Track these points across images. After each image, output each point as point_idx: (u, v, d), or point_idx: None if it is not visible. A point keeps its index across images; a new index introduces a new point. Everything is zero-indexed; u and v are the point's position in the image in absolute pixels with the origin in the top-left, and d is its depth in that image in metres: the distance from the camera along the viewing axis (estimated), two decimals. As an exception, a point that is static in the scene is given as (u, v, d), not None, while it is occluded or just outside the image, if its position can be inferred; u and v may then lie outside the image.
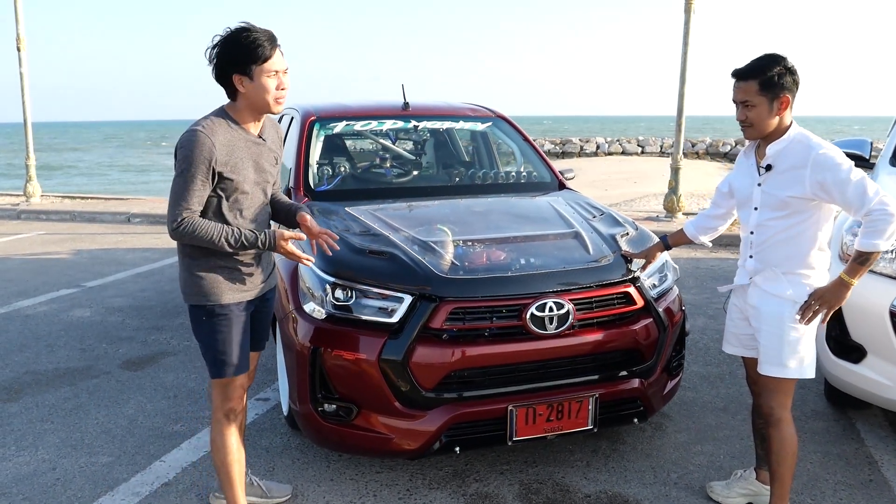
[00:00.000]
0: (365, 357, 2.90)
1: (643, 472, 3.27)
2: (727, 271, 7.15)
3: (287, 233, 2.53)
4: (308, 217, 2.67)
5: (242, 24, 2.42)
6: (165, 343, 5.06)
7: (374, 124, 4.65)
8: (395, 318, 2.92)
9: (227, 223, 2.49)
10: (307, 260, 2.59)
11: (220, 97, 2.58)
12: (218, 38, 2.41)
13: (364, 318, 2.96)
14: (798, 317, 2.58)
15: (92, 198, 13.00)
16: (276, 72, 2.42)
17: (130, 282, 6.89)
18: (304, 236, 2.60)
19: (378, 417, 2.94)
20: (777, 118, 2.56)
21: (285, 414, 3.52)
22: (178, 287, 6.49)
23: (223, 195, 2.47)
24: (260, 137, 2.57)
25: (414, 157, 5.03)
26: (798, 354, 2.62)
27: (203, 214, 2.46)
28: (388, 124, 4.71)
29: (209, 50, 2.41)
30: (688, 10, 9.22)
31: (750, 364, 2.87)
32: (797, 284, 2.61)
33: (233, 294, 2.56)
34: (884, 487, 3.14)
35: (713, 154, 36.31)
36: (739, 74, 2.57)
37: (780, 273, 2.62)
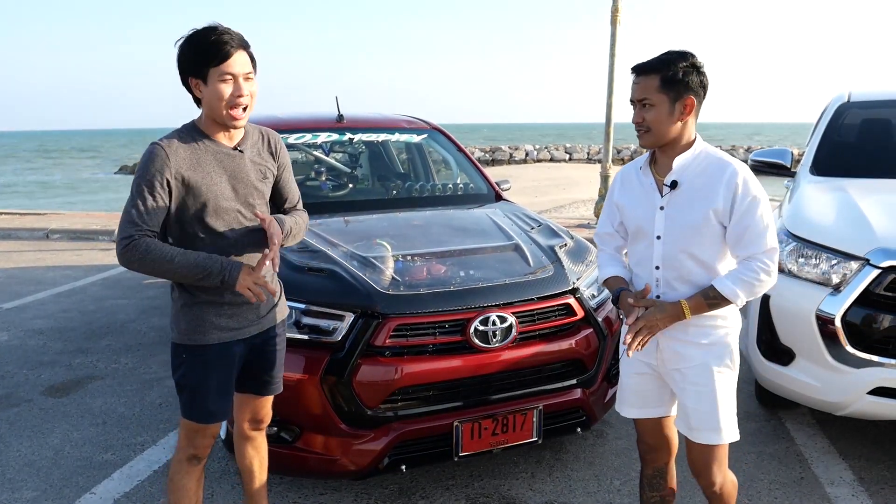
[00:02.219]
0: (307, 377, 2.83)
1: (587, 480, 3.31)
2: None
3: (254, 273, 2.19)
4: (268, 218, 2.28)
5: (210, 24, 2.17)
6: (91, 366, 4.84)
7: (308, 137, 4.57)
8: (337, 337, 2.87)
9: (203, 250, 2.20)
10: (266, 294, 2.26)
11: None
12: (181, 40, 2.17)
13: (305, 337, 2.90)
14: (724, 367, 2.24)
15: (5, 213, 12.37)
16: (233, 75, 2.14)
17: (51, 302, 6.57)
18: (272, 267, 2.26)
19: (322, 438, 2.88)
20: (679, 124, 2.18)
21: (223, 437, 3.41)
22: (103, 306, 6.30)
23: (195, 216, 2.21)
24: (236, 149, 2.29)
25: (350, 171, 4.97)
26: (729, 413, 2.26)
27: (176, 240, 2.22)
28: (323, 137, 4.64)
29: (183, 57, 2.18)
30: (614, 23, 9.48)
31: (647, 427, 2.45)
32: (715, 328, 2.24)
33: (219, 333, 2.29)
34: (814, 484, 3.26)
35: (638, 160, 37.34)
36: (640, 69, 2.20)
37: (697, 317, 2.21)
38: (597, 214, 10.24)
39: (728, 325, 2.26)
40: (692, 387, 2.25)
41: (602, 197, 10.15)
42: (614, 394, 3.51)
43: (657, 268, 2.27)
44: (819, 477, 3.32)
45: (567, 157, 38.93)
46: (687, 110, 2.17)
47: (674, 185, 2.21)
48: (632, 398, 2.43)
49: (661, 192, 2.25)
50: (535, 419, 3.04)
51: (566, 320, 3.18)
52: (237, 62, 2.16)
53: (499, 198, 4.57)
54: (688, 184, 2.20)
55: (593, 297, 3.36)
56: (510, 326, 2.98)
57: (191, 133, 2.24)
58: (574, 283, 3.23)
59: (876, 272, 3.14)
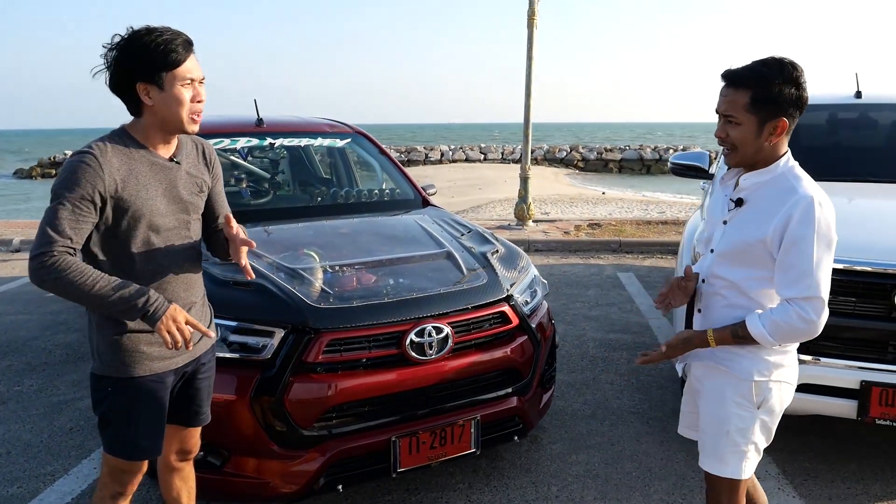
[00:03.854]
0: (236, 398, 2.70)
1: (524, 487, 3.29)
2: (579, 276, 7.44)
3: (183, 316, 2.00)
4: (235, 223, 2.17)
5: (149, 26, 2.03)
6: (-9, 390, 4.49)
7: (226, 142, 4.38)
8: (267, 354, 2.74)
9: (135, 269, 2.06)
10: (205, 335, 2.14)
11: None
12: (118, 39, 2.00)
13: (233, 356, 2.75)
14: (741, 401, 2.05)
15: None
16: (192, 80, 2.03)
17: (-58, 320, 6.07)
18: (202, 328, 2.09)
19: (253, 461, 2.75)
20: (766, 145, 1.98)
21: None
22: (1, 323, 5.85)
23: (127, 233, 2.04)
24: (172, 160, 2.14)
25: (271, 177, 4.80)
26: (739, 448, 2.07)
27: (105, 260, 2.04)
28: (242, 142, 4.45)
29: (106, 53, 2.00)
30: (531, 25, 9.56)
31: None
32: (747, 357, 2.04)
33: (151, 364, 2.11)
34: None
35: (550, 160, 38.15)
36: (730, 79, 1.98)
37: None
38: (517, 216, 10.32)
39: (772, 358, 2.04)
40: (704, 407, 2.16)
41: (522, 198, 10.23)
42: (548, 399, 3.53)
43: (703, 281, 2.17)
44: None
45: (482, 157, 39.31)
46: (777, 132, 1.97)
47: (739, 202, 2.07)
48: (683, 417, 2.36)
49: (728, 206, 2.11)
50: (472, 430, 2.99)
51: (501, 328, 3.15)
52: (194, 66, 2.05)
53: (426, 203, 4.51)
54: (752, 204, 2.04)
55: (526, 303, 3.35)
56: (446, 337, 2.92)
57: (123, 141, 2.06)
58: (508, 291, 3.20)
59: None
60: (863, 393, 3.13)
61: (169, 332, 1.98)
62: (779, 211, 1.94)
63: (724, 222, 2.11)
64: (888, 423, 3.13)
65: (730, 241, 2.06)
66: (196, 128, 2.10)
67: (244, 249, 2.15)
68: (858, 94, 4.87)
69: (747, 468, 2.10)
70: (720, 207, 2.15)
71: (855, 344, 3.20)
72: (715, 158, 5.11)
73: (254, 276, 2.18)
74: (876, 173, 4.37)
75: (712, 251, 2.13)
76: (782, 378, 2.07)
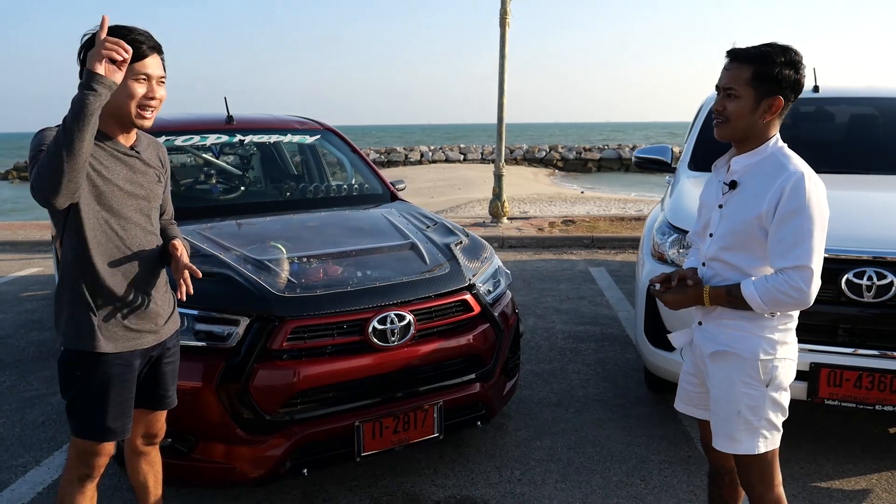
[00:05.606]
0: (202, 385, 2.76)
1: (488, 472, 3.37)
2: (551, 271, 7.55)
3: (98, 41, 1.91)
4: (181, 246, 2.30)
5: (122, 24, 2.10)
6: (-38, 387, 4.50)
7: (196, 139, 4.43)
8: (232, 343, 2.80)
9: (99, 253, 2.13)
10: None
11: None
12: (91, 34, 2.07)
13: (199, 344, 2.82)
14: (749, 380, 2.12)
15: None
16: (148, 76, 2.12)
17: (-87, 320, 6.06)
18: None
19: (219, 447, 2.81)
20: (760, 122, 2.08)
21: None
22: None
23: (90, 220, 2.11)
24: (133, 149, 2.23)
25: (241, 173, 4.86)
26: (752, 425, 2.13)
27: (70, 248, 2.12)
28: (212, 139, 4.51)
29: (84, 42, 2.09)
30: (503, 24, 9.68)
31: (702, 426, 2.42)
32: (752, 337, 2.12)
33: (118, 342, 2.19)
34: (700, 462, 3.45)
35: (530, 160, 38.39)
36: (734, 55, 2.09)
37: (731, 321, 2.14)
38: (492, 213, 10.42)
39: (776, 337, 2.12)
40: (714, 389, 2.20)
41: (496, 196, 10.34)
42: (512, 386, 3.62)
43: (703, 264, 2.25)
44: (704, 455, 3.52)
45: (462, 157, 39.47)
46: (772, 110, 2.07)
47: (732, 185, 2.14)
48: (682, 394, 2.41)
49: (722, 190, 2.19)
50: (435, 415, 3.07)
51: (463, 316, 3.23)
52: (152, 64, 2.14)
53: (394, 198, 4.59)
54: (745, 185, 2.12)
55: (489, 292, 3.44)
56: (408, 324, 3.00)
57: None
58: (470, 280, 3.29)
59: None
60: (812, 374, 3.24)
61: (108, 50, 1.90)
62: (771, 187, 2.03)
63: (720, 206, 2.19)
64: (836, 403, 3.25)
65: (728, 223, 2.14)
66: (146, 123, 2.17)
67: (186, 273, 2.23)
68: (816, 89, 5.00)
69: (762, 444, 2.14)
70: (714, 193, 2.23)
71: (805, 327, 3.30)
72: (678, 153, 5.23)
73: (184, 298, 2.25)
74: (832, 165, 4.49)
75: (711, 235, 2.21)
76: (787, 355, 2.15)
